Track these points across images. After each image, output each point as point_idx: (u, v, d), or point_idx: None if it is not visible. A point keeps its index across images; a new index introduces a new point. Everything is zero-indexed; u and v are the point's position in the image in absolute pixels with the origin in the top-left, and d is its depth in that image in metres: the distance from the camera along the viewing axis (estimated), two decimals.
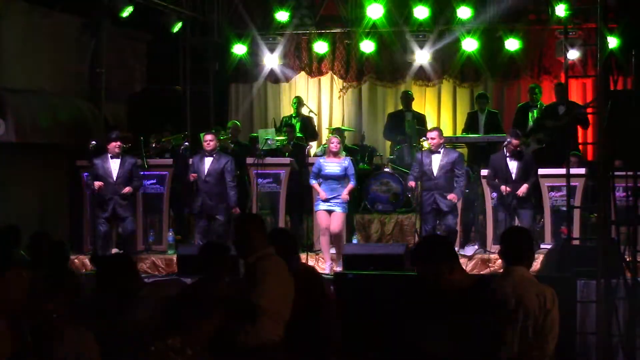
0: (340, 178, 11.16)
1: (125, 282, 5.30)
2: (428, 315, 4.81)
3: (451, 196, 10.97)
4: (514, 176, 11.18)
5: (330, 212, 11.12)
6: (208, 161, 11.58)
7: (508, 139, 11.38)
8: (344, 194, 11.10)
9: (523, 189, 11.04)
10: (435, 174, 11.00)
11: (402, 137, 14.07)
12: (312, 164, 11.71)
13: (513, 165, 11.19)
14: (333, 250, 11.28)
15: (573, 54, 13.57)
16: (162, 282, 8.92)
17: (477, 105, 14.19)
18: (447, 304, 4.76)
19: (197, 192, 11.58)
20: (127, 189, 11.40)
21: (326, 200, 11.10)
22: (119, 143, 11.47)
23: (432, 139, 11.11)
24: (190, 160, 11.95)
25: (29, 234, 7.39)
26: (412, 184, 11.24)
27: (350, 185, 11.20)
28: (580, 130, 13.58)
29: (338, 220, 11.12)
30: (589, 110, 12.16)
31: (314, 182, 11.29)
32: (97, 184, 11.31)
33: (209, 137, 11.66)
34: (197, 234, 11.68)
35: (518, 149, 11.31)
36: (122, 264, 5.45)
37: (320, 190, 11.17)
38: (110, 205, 11.41)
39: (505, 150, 11.22)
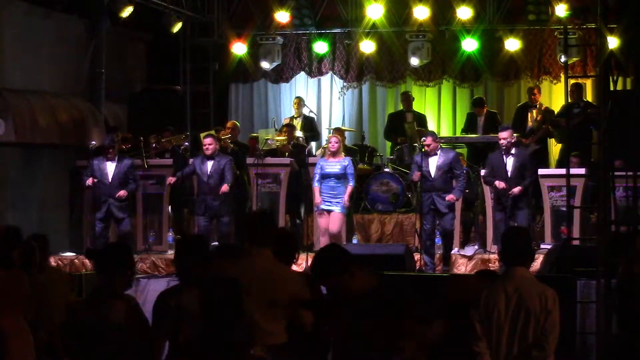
0: (340, 177, 11.16)
1: (123, 270, 5.18)
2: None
3: (449, 197, 10.92)
4: (509, 173, 11.03)
5: (329, 211, 11.14)
6: (210, 162, 11.50)
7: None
8: (345, 199, 11.10)
9: (516, 190, 10.93)
10: (432, 175, 10.97)
11: (402, 138, 14.05)
12: (313, 164, 11.69)
13: (509, 163, 11.08)
14: None
15: (573, 54, 13.54)
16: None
17: (475, 109, 14.19)
18: (351, 310, 4.79)
19: (199, 193, 11.55)
20: (121, 192, 11.38)
21: (327, 200, 11.12)
22: (111, 150, 11.45)
23: (427, 145, 11.08)
24: (191, 160, 11.94)
25: (29, 234, 7.40)
26: (417, 174, 11.04)
27: (349, 187, 11.17)
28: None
29: (336, 220, 11.13)
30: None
31: (316, 185, 11.31)
32: (89, 180, 11.38)
33: (207, 140, 11.55)
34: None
35: (511, 141, 11.10)
36: (118, 251, 5.34)
37: (317, 195, 11.21)
38: (104, 207, 11.41)
39: (501, 148, 11.14)
